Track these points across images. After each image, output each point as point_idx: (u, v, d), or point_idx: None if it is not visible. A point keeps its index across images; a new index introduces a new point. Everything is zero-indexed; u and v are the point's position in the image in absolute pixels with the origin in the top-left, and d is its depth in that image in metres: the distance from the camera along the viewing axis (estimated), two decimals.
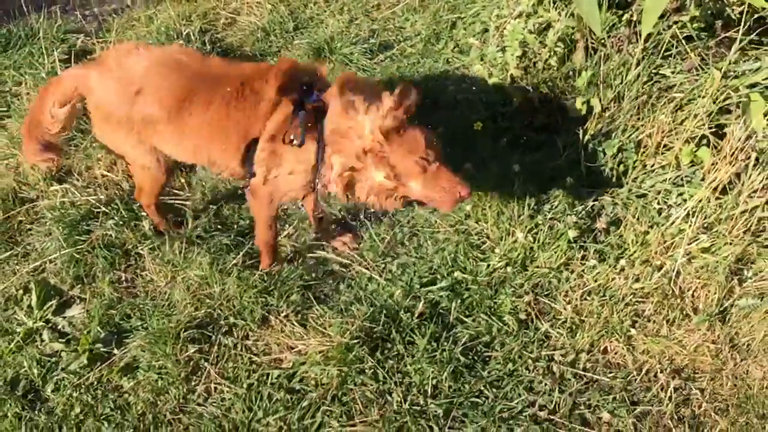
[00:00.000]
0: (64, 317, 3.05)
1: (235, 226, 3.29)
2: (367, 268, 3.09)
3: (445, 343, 2.76)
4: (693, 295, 2.84)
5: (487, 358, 2.77)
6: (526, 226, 3.07)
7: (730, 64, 3.01)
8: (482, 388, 2.67)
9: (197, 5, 4.65)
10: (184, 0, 4.69)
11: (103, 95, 2.72)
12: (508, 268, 3.01)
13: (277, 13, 4.48)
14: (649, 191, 3.09)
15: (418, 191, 2.52)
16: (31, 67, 4.18)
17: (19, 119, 3.82)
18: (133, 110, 2.66)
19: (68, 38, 4.42)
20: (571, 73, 3.52)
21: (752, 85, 2.97)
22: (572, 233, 2.99)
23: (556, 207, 3.13)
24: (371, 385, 2.68)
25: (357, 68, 4.04)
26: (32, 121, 2.97)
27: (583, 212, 3.10)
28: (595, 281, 2.91)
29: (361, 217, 3.27)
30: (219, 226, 3.29)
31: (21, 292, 3.14)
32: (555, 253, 3.00)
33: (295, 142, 2.55)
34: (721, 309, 2.79)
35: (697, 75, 3.17)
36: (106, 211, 3.34)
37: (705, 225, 2.90)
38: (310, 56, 4.10)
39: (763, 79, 2.96)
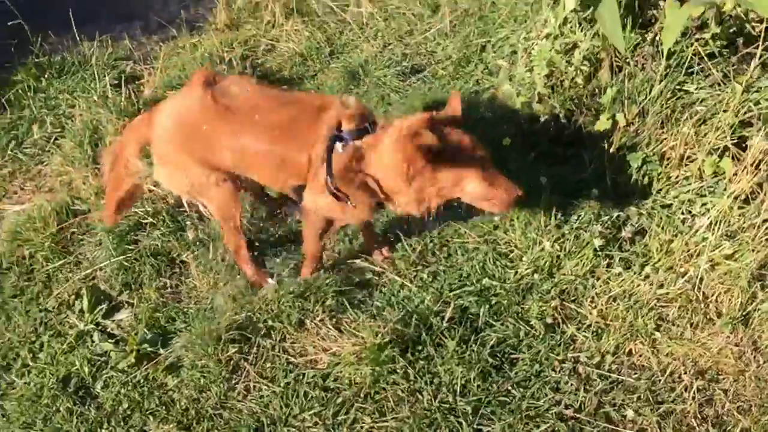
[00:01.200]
0: (113, 320, 3.24)
1: (274, 238, 3.47)
2: (399, 276, 3.22)
3: (474, 346, 2.87)
4: (716, 300, 2.91)
5: (515, 360, 2.87)
6: (552, 236, 3.18)
7: (750, 78, 3.11)
8: (510, 387, 2.77)
9: (239, 33, 4.90)
10: (227, 28, 4.96)
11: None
12: (536, 275, 3.11)
13: (314, 39, 4.71)
14: (673, 201, 3.18)
15: (477, 190, 2.66)
16: (84, 91, 4.45)
17: (73, 139, 4.08)
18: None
19: (118, 65, 4.72)
20: (596, 90, 3.64)
21: None
22: (598, 242, 3.08)
23: (582, 217, 3.24)
24: (402, 384, 2.80)
25: (390, 89, 4.22)
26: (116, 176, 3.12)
27: (609, 222, 3.20)
28: (620, 287, 3.00)
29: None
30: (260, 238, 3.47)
31: (73, 297, 3.34)
32: (581, 261, 3.10)
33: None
34: (744, 313, 2.85)
35: (720, 90, 3.27)
36: (153, 222, 3.53)
37: (728, 233, 2.98)
38: (345, 78, 4.29)
39: None
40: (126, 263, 3.40)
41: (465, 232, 3.36)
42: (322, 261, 3.27)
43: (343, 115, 2.71)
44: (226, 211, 3.08)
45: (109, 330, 3.20)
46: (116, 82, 4.48)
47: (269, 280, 3.25)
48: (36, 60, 4.68)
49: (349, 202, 2.76)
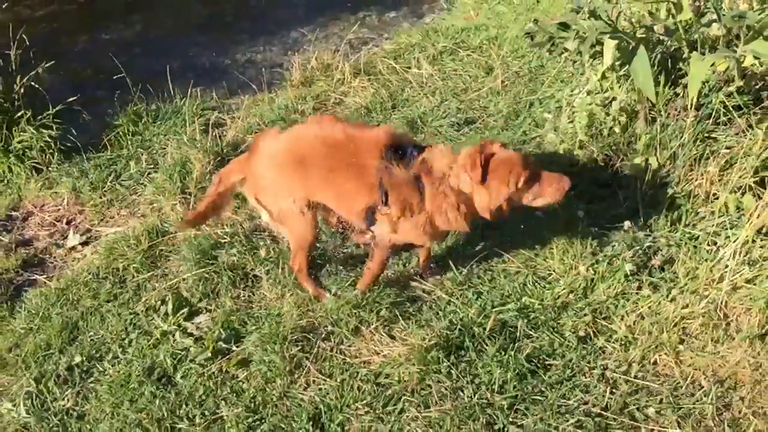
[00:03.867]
0: (193, 323, 3.67)
1: (335, 257, 3.90)
2: (447, 294, 3.58)
3: (512, 352, 3.19)
4: (737, 319, 3.16)
5: (549, 366, 3.17)
6: (588, 262, 3.51)
7: None
8: (543, 388, 3.06)
9: (311, 89, 5.49)
10: (301, 85, 5.55)
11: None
12: (571, 296, 3.43)
13: (379, 95, 5.24)
14: (699, 234, 3.48)
15: (533, 191, 3.16)
16: (175, 134, 5.07)
17: (164, 173, 4.65)
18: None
19: (205, 114, 5.33)
20: (632, 138, 4.01)
21: None
22: (629, 266, 3.40)
23: (615, 247, 3.56)
24: (446, 382, 3.12)
25: (445, 138, 4.68)
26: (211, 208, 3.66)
27: (640, 252, 3.50)
28: (648, 307, 3.28)
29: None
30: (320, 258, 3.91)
31: (159, 302, 3.79)
32: (613, 284, 3.41)
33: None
34: (762, 331, 3.08)
35: (744, 137, 3.60)
36: (231, 241, 4.01)
37: (749, 261, 3.25)
38: (404, 127, 4.77)
39: None
40: (206, 275, 3.86)
41: (508, 259, 3.71)
42: (378, 281, 3.64)
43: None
44: (303, 239, 3.53)
45: (189, 331, 3.62)
46: (203, 128, 5.06)
47: (327, 294, 3.65)
48: (134, 108, 5.33)
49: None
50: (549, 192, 3.20)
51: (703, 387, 2.99)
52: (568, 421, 2.91)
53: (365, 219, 3.33)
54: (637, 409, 2.94)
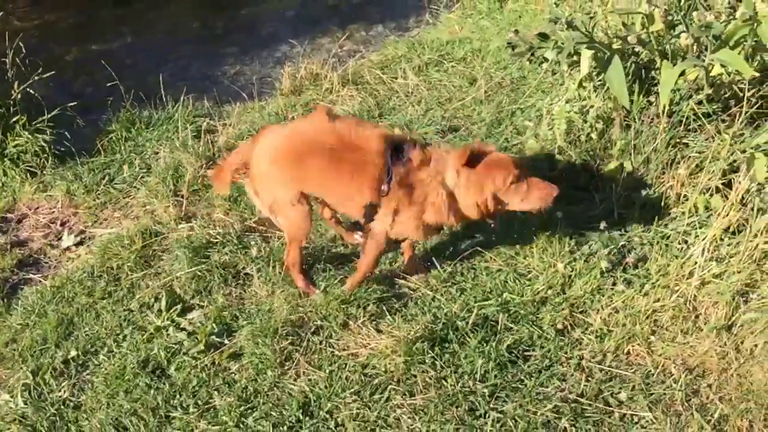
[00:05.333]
0: (186, 318, 3.78)
1: (326, 255, 4.05)
2: (432, 291, 3.73)
3: (493, 344, 3.34)
4: (705, 312, 3.34)
5: (528, 356, 3.33)
6: (566, 260, 3.68)
7: (737, 131, 3.65)
8: (522, 377, 3.22)
9: (300, 97, 5.66)
10: (291, 93, 5.72)
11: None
12: (549, 291, 3.60)
13: (366, 104, 5.42)
14: (671, 233, 3.68)
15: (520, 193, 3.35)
16: (167, 139, 5.21)
17: (156, 177, 4.78)
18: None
19: (197, 120, 5.46)
20: (608, 144, 4.21)
21: (756, 147, 3.57)
22: (604, 263, 3.57)
23: (592, 246, 3.74)
24: (430, 372, 3.26)
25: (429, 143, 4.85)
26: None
27: (615, 250, 3.69)
28: (622, 301, 3.46)
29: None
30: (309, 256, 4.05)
31: (153, 299, 3.90)
32: (589, 280, 3.59)
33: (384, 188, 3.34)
34: (728, 322, 3.27)
35: (713, 142, 3.80)
36: (223, 241, 4.15)
37: (717, 258, 3.44)
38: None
39: (764, 143, 3.56)
40: (199, 273, 3.99)
41: (490, 258, 3.88)
42: (366, 279, 3.79)
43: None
44: (297, 230, 3.65)
45: (182, 326, 3.73)
46: (195, 134, 5.21)
47: (317, 291, 3.79)
48: (128, 114, 5.48)
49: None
50: (535, 196, 3.36)
51: (673, 375, 3.17)
52: (546, 407, 3.07)
53: (365, 214, 3.46)
54: (611, 395, 3.11)
